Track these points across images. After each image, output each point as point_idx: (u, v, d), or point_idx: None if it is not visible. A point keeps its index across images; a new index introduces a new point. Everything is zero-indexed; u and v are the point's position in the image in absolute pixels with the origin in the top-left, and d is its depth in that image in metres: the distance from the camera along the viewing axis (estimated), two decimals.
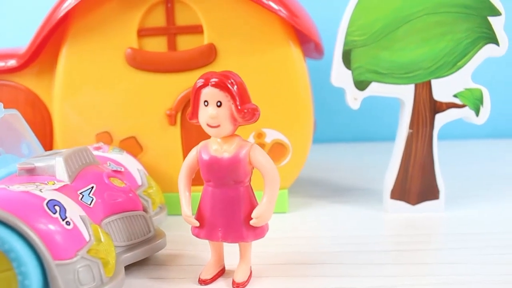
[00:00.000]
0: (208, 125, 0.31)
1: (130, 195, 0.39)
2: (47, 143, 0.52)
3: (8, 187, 0.32)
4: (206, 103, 0.31)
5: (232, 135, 0.33)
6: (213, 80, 0.31)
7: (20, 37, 0.84)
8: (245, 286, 0.34)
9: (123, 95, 0.49)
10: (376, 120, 0.86)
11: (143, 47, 0.48)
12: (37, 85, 0.53)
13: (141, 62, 0.48)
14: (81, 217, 0.32)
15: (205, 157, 0.33)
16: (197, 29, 0.48)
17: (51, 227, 0.30)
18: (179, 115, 0.48)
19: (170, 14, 0.48)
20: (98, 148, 0.45)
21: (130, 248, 0.37)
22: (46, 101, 0.53)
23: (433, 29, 0.46)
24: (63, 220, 0.30)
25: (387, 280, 0.35)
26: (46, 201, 0.31)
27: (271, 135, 0.48)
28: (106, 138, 0.50)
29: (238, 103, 0.31)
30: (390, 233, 0.45)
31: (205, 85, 0.31)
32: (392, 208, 0.49)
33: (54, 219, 0.30)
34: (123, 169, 0.43)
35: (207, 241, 0.36)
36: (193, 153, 0.34)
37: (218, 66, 0.47)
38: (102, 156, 0.44)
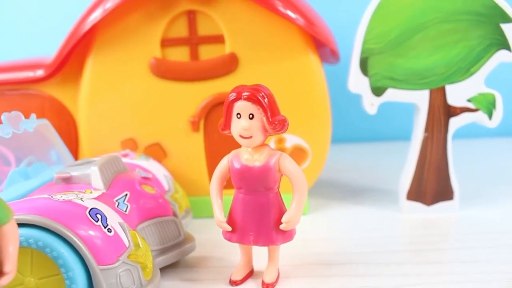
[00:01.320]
0: (241, 136, 0.33)
1: (161, 201, 0.40)
2: (73, 150, 0.54)
3: (52, 196, 0.33)
4: (238, 116, 0.33)
5: (262, 144, 0.34)
6: (245, 94, 0.33)
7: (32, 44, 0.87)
8: (274, 286, 0.36)
9: (147, 103, 0.50)
10: (387, 120, 0.88)
11: (166, 56, 0.50)
12: (62, 93, 0.55)
13: (165, 71, 0.50)
14: (120, 224, 0.34)
15: (237, 165, 0.34)
16: (218, 39, 0.49)
17: (95, 234, 0.32)
18: (202, 121, 0.50)
19: (192, 25, 0.49)
20: (125, 155, 0.47)
21: (163, 252, 0.39)
22: (71, 109, 0.55)
23: (447, 36, 0.47)
24: (104, 227, 0.32)
25: (408, 278, 0.37)
26: (89, 209, 0.33)
27: (291, 140, 0.50)
28: (131, 144, 0.51)
29: (269, 115, 0.33)
30: (407, 233, 0.47)
31: (237, 98, 0.33)
32: (408, 209, 0.50)
33: (97, 227, 0.32)
34: (151, 176, 0.45)
35: (233, 244, 0.37)
36: (224, 161, 0.36)
37: (240, 75, 0.49)
38: (131, 163, 0.46)
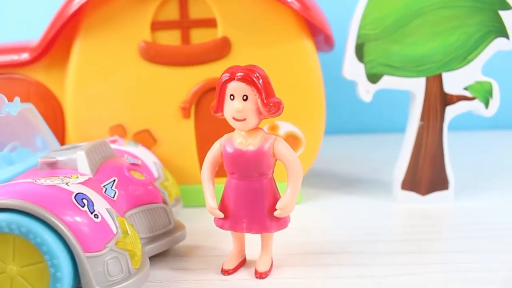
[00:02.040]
0: (234, 118, 0.32)
1: (150, 187, 0.39)
2: (59, 137, 0.53)
3: (35, 181, 0.32)
4: (232, 97, 0.32)
5: (256, 128, 0.33)
6: (239, 74, 0.31)
7: (20, 30, 0.85)
8: (268, 275, 0.35)
9: (136, 88, 0.49)
10: (380, 112, 0.87)
11: (157, 40, 0.48)
12: (48, 78, 0.53)
13: (155, 55, 0.48)
14: (107, 210, 0.32)
15: (230, 150, 0.33)
16: (210, 23, 0.48)
17: (81, 220, 0.30)
18: (193, 108, 0.49)
19: (183, 8, 0.48)
20: (114, 142, 0.46)
21: (152, 240, 0.38)
22: (58, 94, 0.53)
23: (445, 23, 0.46)
24: (91, 213, 0.31)
25: (402, 267, 0.36)
26: (74, 194, 0.31)
27: (285, 128, 0.49)
28: (119, 131, 0.50)
29: (264, 96, 0.31)
30: (401, 223, 0.46)
31: (231, 79, 0.32)
32: (403, 198, 0.50)
33: (83, 212, 0.31)
34: (140, 162, 0.44)
35: (225, 232, 0.36)
36: (216, 146, 0.34)
37: (232, 59, 0.48)
38: (119, 149, 0.44)
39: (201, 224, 0.44)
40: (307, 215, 0.48)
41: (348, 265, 0.37)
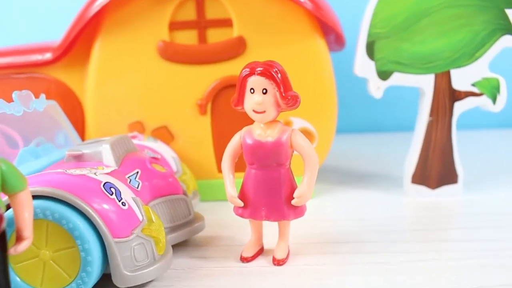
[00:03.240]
0: (254, 111, 0.34)
1: (171, 179, 0.41)
2: (79, 133, 0.54)
3: (66, 171, 0.34)
4: (252, 91, 0.33)
5: (274, 120, 0.35)
6: (259, 69, 0.33)
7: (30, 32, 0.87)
8: (285, 262, 0.37)
9: (155, 86, 0.51)
10: (389, 111, 0.89)
11: (174, 40, 0.50)
12: (68, 77, 0.55)
13: (173, 54, 0.50)
14: (133, 199, 0.34)
15: (249, 141, 0.35)
16: (226, 23, 0.50)
17: (110, 207, 0.32)
18: (209, 105, 0.50)
19: (200, 8, 0.50)
20: (134, 137, 0.48)
21: (173, 229, 0.39)
22: (78, 92, 0.55)
23: (452, 21, 0.48)
24: (119, 201, 0.33)
25: (413, 255, 0.38)
26: (103, 183, 0.33)
27: (298, 123, 0.50)
28: (138, 127, 0.52)
29: (282, 90, 0.33)
30: (411, 214, 0.48)
31: (251, 73, 0.33)
32: (413, 192, 0.51)
33: (112, 200, 0.32)
34: (159, 157, 0.45)
35: (242, 224, 0.38)
36: (236, 138, 0.36)
37: (247, 58, 0.49)
38: (140, 144, 0.46)
39: (218, 216, 0.46)
40: (321, 208, 0.49)
41: (361, 253, 0.38)
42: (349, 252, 0.39)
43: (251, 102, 0.33)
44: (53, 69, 0.54)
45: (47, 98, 0.53)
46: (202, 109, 0.50)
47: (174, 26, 0.50)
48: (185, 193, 0.41)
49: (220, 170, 0.52)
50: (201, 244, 0.41)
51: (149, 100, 0.51)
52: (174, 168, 0.46)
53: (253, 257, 0.38)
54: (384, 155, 0.70)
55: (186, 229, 0.40)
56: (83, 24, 0.50)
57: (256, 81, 0.33)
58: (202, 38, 0.50)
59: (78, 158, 0.39)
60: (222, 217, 0.46)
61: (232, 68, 0.50)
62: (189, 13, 0.50)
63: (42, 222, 0.31)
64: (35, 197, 0.31)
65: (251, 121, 0.47)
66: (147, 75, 0.51)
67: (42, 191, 0.31)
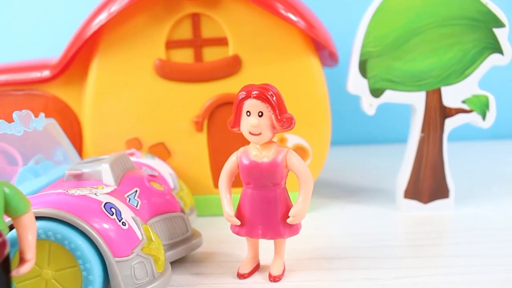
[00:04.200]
0: (250, 133, 0.35)
1: (169, 197, 0.42)
2: (77, 150, 0.55)
3: (67, 191, 0.34)
4: (248, 113, 0.34)
5: (270, 141, 0.36)
6: (255, 92, 0.34)
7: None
8: (281, 278, 0.38)
9: (152, 103, 0.52)
10: (382, 124, 0.90)
11: (171, 58, 0.51)
12: (66, 94, 0.56)
13: (169, 72, 0.51)
14: (133, 218, 0.35)
15: (246, 162, 0.36)
16: (222, 41, 0.51)
17: (110, 227, 0.33)
18: (205, 122, 0.51)
19: (196, 27, 0.51)
20: (131, 154, 0.48)
21: (171, 246, 0.40)
22: (75, 108, 0.56)
23: (442, 40, 0.49)
24: (119, 221, 0.33)
25: (406, 271, 0.39)
26: (103, 203, 0.34)
27: (293, 140, 0.51)
28: (136, 144, 0.52)
29: (277, 113, 0.34)
30: (405, 230, 0.49)
31: (247, 97, 0.34)
32: (406, 206, 0.52)
33: (112, 220, 0.33)
34: (157, 174, 0.46)
35: (238, 240, 0.39)
36: (233, 158, 0.37)
37: (243, 76, 0.51)
38: (137, 161, 0.47)
39: (215, 232, 0.47)
40: (314, 223, 0.50)
41: (354, 269, 0.39)
42: (343, 268, 0.40)
43: (247, 124, 0.35)
44: (51, 86, 0.55)
45: (46, 114, 0.54)
46: (198, 126, 0.51)
47: (171, 44, 0.51)
48: (182, 211, 0.42)
49: (216, 186, 0.52)
50: (199, 260, 0.42)
51: (146, 117, 0.52)
52: (172, 185, 0.47)
53: (250, 274, 0.38)
54: (376, 168, 0.72)
55: (184, 246, 0.41)
56: (81, 42, 0.51)
57: (252, 104, 0.34)
58: (198, 57, 0.51)
59: (78, 177, 0.39)
60: (219, 232, 0.47)
61: (228, 86, 0.51)
62: (185, 32, 0.51)
63: (44, 242, 0.32)
64: (37, 218, 0.31)
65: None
66: (144, 92, 0.52)
67: (44, 212, 0.32)
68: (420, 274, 0.38)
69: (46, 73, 0.53)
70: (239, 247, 0.43)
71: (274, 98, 0.34)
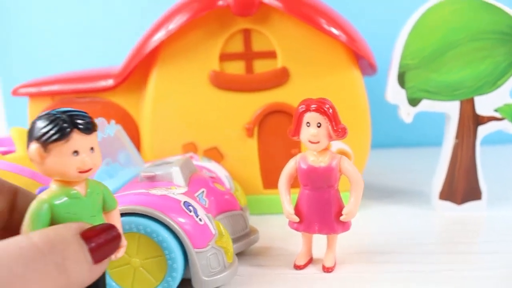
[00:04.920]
0: (309, 141, 0.39)
1: (230, 197, 0.47)
2: None
3: (149, 191, 0.40)
4: (308, 124, 0.39)
5: (325, 148, 0.41)
6: (313, 106, 0.39)
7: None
8: (333, 269, 0.42)
9: (207, 110, 0.57)
10: (411, 128, 0.94)
11: (224, 69, 0.56)
12: (125, 101, 0.61)
13: (223, 82, 0.56)
14: (206, 215, 0.40)
15: (304, 166, 0.41)
16: (271, 55, 0.55)
17: (190, 222, 0.38)
18: (256, 128, 0.56)
19: (247, 41, 0.56)
20: (191, 158, 0.53)
21: (234, 241, 0.45)
22: (134, 115, 0.61)
23: (475, 53, 0.53)
24: (196, 217, 0.39)
25: (446, 265, 0.43)
26: (182, 202, 0.39)
27: (336, 145, 0.56)
28: (191, 148, 0.58)
29: (333, 124, 0.39)
30: (440, 228, 0.53)
31: (307, 110, 0.39)
32: (441, 207, 0.56)
33: (191, 217, 0.38)
34: (215, 175, 0.51)
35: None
36: (292, 163, 0.42)
37: (290, 87, 0.55)
38: (197, 164, 0.52)
39: (267, 229, 0.51)
40: (357, 222, 0.54)
41: (398, 262, 0.44)
42: (387, 261, 0.44)
43: (307, 134, 0.39)
44: (112, 94, 0.61)
45: (107, 120, 0.60)
46: (249, 132, 0.56)
47: (224, 57, 0.56)
48: (242, 209, 0.47)
49: (265, 187, 0.58)
50: (257, 254, 0.47)
51: (201, 123, 0.57)
52: (227, 185, 0.52)
53: (305, 265, 0.43)
54: (409, 170, 0.76)
55: (244, 241, 0.45)
56: (142, 57, 0.56)
57: (311, 116, 0.39)
58: (249, 69, 0.56)
59: (151, 179, 0.44)
60: (271, 229, 0.51)
61: (277, 96, 0.56)
62: (237, 46, 0.56)
63: (134, 235, 0.37)
64: (129, 214, 0.37)
65: (293, 143, 0.54)
66: (199, 101, 0.57)
67: (136, 209, 0.37)
68: (458, 268, 0.42)
69: (110, 82, 0.59)
70: (291, 243, 0.48)
71: (330, 110, 0.39)
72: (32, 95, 0.63)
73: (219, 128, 0.57)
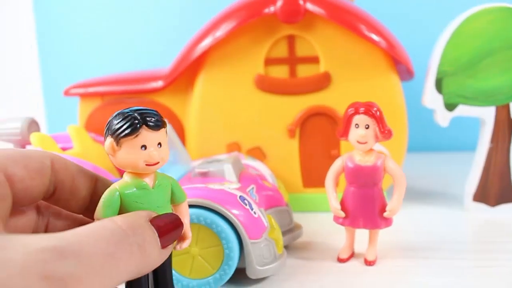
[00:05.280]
0: (358, 141, 0.42)
1: (277, 193, 0.49)
2: None
3: (207, 186, 0.43)
4: (357, 126, 0.42)
5: (370, 149, 0.43)
6: (362, 109, 0.42)
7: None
8: (375, 263, 0.45)
9: (251, 112, 0.60)
10: (440, 133, 0.96)
11: (269, 73, 0.59)
12: (172, 102, 0.65)
13: (267, 86, 0.59)
14: (259, 209, 0.43)
15: (351, 165, 0.43)
16: (314, 60, 0.58)
17: (246, 215, 0.41)
18: (297, 130, 0.59)
19: (291, 47, 0.59)
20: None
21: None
22: (180, 115, 0.64)
23: (510, 61, 0.55)
24: (251, 210, 0.41)
25: (482, 262, 0.45)
26: (238, 196, 0.42)
27: (375, 147, 0.58)
28: (235, 147, 0.61)
29: (380, 126, 0.41)
30: (474, 229, 0.55)
31: (356, 113, 0.42)
32: (474, 209, 0.59)
33: (246, 210, 0.41)
34: (259, 174, 0.54)
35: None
36: (338, 162, 0.44)
37: (332, 90, 0.58)
38: (244, 163, 0.55)
39: (309, 225, 0.54)
40: (394, 221, 0.57)
41: (436, 258, 0.46)
42: (424, 257, 0.46)
43: (356, 135, 0.42)
44: (159, 95, 0.64)
45: None
46: (291, 133, 0.59)
47: (269, 62, 0.59)
48: (287, 205, 0.50)
49: (305, 185, 0.61)
50: (301, 248, 0.50)
51: (246, 124, 0.60)
52: (271, 183, 0.55)
53: (348, 259, 0.46)
54: (440, 174, 0.78)
55: (289, 235, 0.48)
56: (190, 62, 0.59)
57: (360, 119, 0.42)
58: (293, 73, 0.59)
59: (204, 175, 0.48)
60: (312, 226, 0.54)
61: (319, 99, 0.58)
62: (282, 51, 0.59)
63: (195, 225, 0.40)
64: (191, 206, 0.40)
65: (332, 144, 0.57)
66: (244, 103, 0.60)
67: (198, 201, 0.40)
68: (494, 265, 0.44)
69: (160, 84, 0.62)
70: (332, 238, 0.51)
71: (378, 113, 0.42)
72: (82, 95, 0.67)
73: (263, 129, 0.60)
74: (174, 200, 0.34)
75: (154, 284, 0.31)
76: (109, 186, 0.33)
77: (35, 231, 0.30)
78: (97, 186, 0.33)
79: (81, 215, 0.32)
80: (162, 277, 0.31)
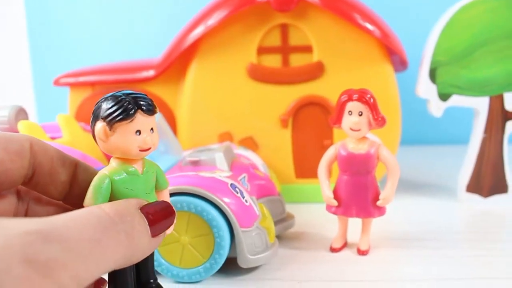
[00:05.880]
0: (351, 129, 0.42)
1: (269, 183, 0.49)
2: None
3: (198, 174, 0.42)
4: (350, 113, 0.41)
5: (364, 137, 0.43)
6: (355, 95, 0.41)
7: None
8: (368, 253, 0.44)
9: (243, 102, 0.59)
10: (433, 125, 0.96)
11: (262, 62, 0.59)
12: (163, 91, 0.64)
13: (260, 75, 0.58)
14: (250, 197, 0.42)
15: (344, 153, 0.43)
16: (307, 49, 0.58)
17: (237, 203, 0.40)
18: (290, 119, 0.59)
19: (284, 36, 0.58)
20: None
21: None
22: (171, 105, 0.64)
23: (505, 51, 0.55)
24: (243, 198, 0.41)
25: (476, 251, 0.45)
26: (229, 184, 0.41)
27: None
28: (227, 137, 0.60)
29: (374, 113, 0.41)
30: (467, 219, 0.55)
31: (349, 99, 0.41)
32: (467, 199, 0.58)
33: (238, 198, 0.40)
34: (251, 163, 0.54)
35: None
36: (331, 150, 0.44)
37: (325, 80, 0.58)
38: (236, 152, 0.54)
39: (300, 216, 0.54)
40: (387, 212, 0.56)
41: (429, 248, 0.46)
42: (417, 247, 0.46)
43: (349, 122, 0.41)
44: (151, 85, 0.63)
45: None
46: (284, 123, 0.59)
47: (262, 51, 0.58)
48: (279, 194, 0.49)
49: (298, 176, 0.60)
50: (293, 238, 0.49)
51: (238, 113, 0.59)
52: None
53: (341, 248, 0.45)
54: (434, 167, 0.78)
55: (281, 225, 0.48)
56: (181, 50, 0.59)
57: (353, 105, 0.41)
58: (286, 62, 0.58)
59: (195, 164, 0.47)
60: (305, 216, 0.54)
61: (312, 89, 0.58)
62: (275, 40, 0.58)
63: (184, 213, 0.39)
64: (181, 193, 0.39)
65: (325, 134, 0.56)
66: (236, 92, 0.59)
67: (188, 189, 0.39)
68: (487, 254, 0.44)
69: (151, 73, 0.62)
70: (325, 228, 0.50)
71: (372, 100, 0.41)
72: (73, 85, 0.66)
73: (255, 119, 0.59)
74: (157, 186, 0.33)
75: (136, 271, 0.31)
76: (90, 171, 0.32)
77: (15, 216, 0.29)
78: (77, 171, 0.32)
79: (61, 202, 0.31)
80: (143, 264, 0.31)
